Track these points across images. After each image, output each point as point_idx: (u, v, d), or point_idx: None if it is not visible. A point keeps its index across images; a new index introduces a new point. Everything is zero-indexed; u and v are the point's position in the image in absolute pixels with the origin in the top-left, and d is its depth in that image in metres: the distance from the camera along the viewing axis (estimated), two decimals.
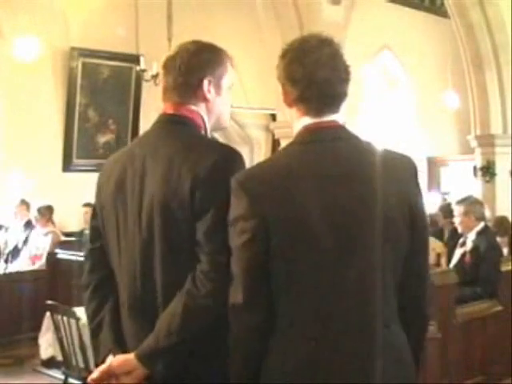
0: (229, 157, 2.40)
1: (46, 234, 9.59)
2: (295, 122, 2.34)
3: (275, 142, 12.78)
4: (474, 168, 13.84)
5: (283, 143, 10.55)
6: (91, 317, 2.61)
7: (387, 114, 18.00)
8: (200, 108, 2.56)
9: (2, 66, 10.75)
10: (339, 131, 2.32)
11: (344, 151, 2.27)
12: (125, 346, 2.47)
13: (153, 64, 10.45)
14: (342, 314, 2.19)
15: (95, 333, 2.58)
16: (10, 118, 10.88)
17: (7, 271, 9.53)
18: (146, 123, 11.82)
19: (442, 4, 14.48)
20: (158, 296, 2.39)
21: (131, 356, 2.36)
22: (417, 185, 2.40)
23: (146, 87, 11.61)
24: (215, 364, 2.36)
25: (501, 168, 13.52)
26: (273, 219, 2.16)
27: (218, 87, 2.58)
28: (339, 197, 2.19)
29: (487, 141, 13.48)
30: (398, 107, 17.99)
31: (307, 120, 2.30)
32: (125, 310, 2.51)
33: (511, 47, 13.01)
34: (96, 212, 2.66)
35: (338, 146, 2.27)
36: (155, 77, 10.46)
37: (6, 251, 10.05)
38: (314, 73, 2.27)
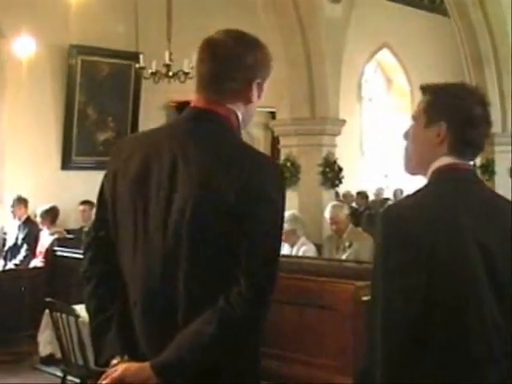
0: (272, 174, 2.33)
1: (52, 234, 9.63)
2: (431, 160, 2.46)
3: (274, 140, 12.76)
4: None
5: (282, 141, 10.54)
6: (94, 314, 2.48)
7: (385, 112, 18.01)
8: (238, 107, 2.42)
9: (1, 63, 10.74)
10: (474, 175, 2.53)
11: (482, 194, 2.47)
12: (134, 350, 2.36)
13: (152, 61, 10.46)
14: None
15: (98, 331, 2.45)
16: (9, 115, 10.87)
17: (6, 268, 9.55)
18: (145, 121, 11.82)
19: (442, 2, 14.47)
20: (180, 303, 2.27)
21: (146, 366, 2.25)
22: None
23: (146, 85, 11.60)
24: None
25: (500, 166, 13.52)
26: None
27: (261, 89, 2.46)
28: (488, 238, 2.33)
29: (487, 139, 13.47)
30: (396, 105, 17.99)
31: (447, 160, 2.43)
32: (137, 311, 2.37)
33: (511, 45, 13.01)
34: (104, 199, 2.49)
35: (477, 188, 2.48)
36: (154, 74, 10.47)
37: (6, 248, 10.06)
38: (477, 126, 2.44)
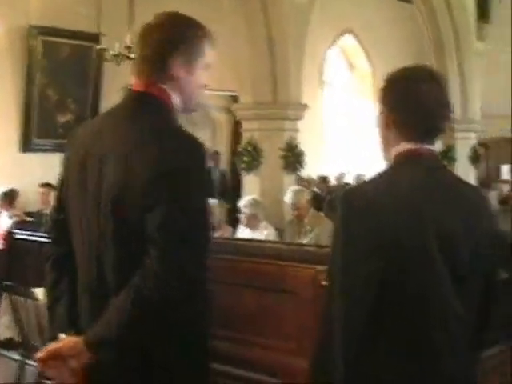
0: (187, 150, 2.35)
1: (11, 217, 9.54)
2: (392, 145, 2.44)
3: (237, 124, 12.75)
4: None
5: (244, 125, 10.54)
6: (48, 290, 2.64)
7: (347, 97, 18.07)
8: (169, 87, 2.49)
9: None
10: (436, 160, 2.48)
11: (443, 180, 2.42)
12: (79, 325, 2.49)
13: (114, 43, 10.36)
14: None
15: (51, 307, 2.61)
16: None
17: None
18: (106, 103, 11.71)
19: None
20: (111, 283, 2.38)
21: (79, 340, 2.35)
22: (492, 221, 2.54)
23: (107, 67, 11.49)
24: (161, 357, 2.38)
25: (460, 153, 13.67)
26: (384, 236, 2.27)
27: (189, 66, 2.50)
28: (448, 224, 2.31)
29: (447, 125, 13.58)
30: (358, 91, 18.06)
31: (407, 145, 2.40)
32: (81, 289, 2.52)
33: (472, 31, 13.14)
34: (62, 183, 2.63)
35: (438, 174, 2.42)
36: (116, 56, 10.36)
37: None
38: (424, 103, 2.38)
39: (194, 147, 2.37)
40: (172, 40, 2.47)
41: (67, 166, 2.58)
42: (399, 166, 2.41)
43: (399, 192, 2.33)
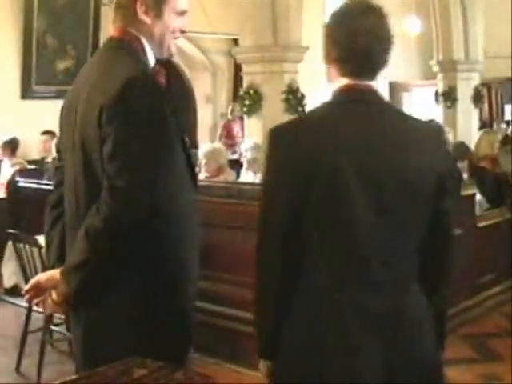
0: (132, 81, 2.39)
1: (13, 165, 9.54)
2: (333, 81, 2.40)
3: (237, 67, 12.66)
4: (436, 93, 13.90)
5: (245, 68, 10.46)
6: (46, 232, 2.80)
7: None
8: (140, 32, 2.57)
9: None
10: (374, 95, 2.39)
11: (378, 115, 2.35)
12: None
13: None
14: (365, 273, 2.27)
15: (47, 249, 2.80)
16: None
17: None
18: None
19: None
20: (82, 216, 2.48)
21: (56, 272, 2.51)
22: (444, 154, 2.53)
23: (105, 11, 11.36)
24: (124, 290, 2.46)
25: (462, 93, 13.60)
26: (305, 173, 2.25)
27: (157, 10, 2.56)
28: (372, 158, 2.26)
29: (449, 66, 13.52)
30: None
31: (345, 81, 2.36)
32: (67, 227, 2.65)
33: None
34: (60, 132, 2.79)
35: (373, 109, 2.36)
36: (113, 1, 10.25)
37: None
38: (358, 37, 2.31)
39: (143, 77, 2.45)
40: None
41: (61, 113, 2.73)
42: (335, 101, 2.38)
43: (322, 128, 2.31)
